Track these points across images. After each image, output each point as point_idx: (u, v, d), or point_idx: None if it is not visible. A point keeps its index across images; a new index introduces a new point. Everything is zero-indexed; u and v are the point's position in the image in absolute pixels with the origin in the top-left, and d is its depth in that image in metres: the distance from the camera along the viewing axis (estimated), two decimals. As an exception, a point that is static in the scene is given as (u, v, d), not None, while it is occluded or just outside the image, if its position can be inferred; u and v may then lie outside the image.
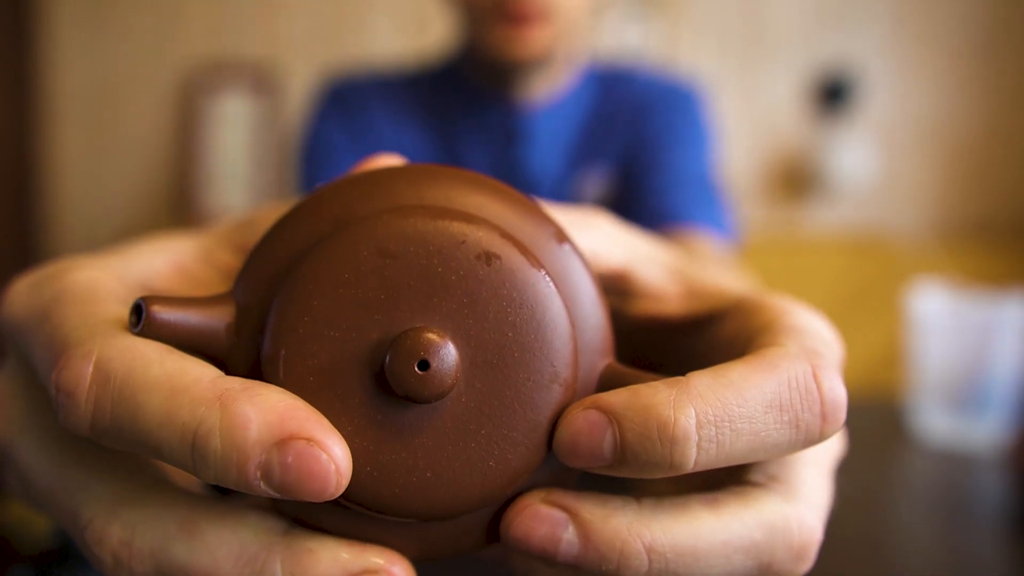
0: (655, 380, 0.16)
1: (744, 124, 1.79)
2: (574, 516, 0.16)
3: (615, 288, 0.22)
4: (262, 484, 0.14)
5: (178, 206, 1.79)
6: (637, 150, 0.74)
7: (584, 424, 0.15)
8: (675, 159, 0.73)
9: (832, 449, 0.19)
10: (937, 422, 0.70)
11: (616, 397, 0.15)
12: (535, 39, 0.64)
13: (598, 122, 0.76)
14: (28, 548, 0.44)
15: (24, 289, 0.18)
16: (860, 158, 1.74)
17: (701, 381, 0.15)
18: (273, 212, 0.21)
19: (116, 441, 0.15)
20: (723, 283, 0.22)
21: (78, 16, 1.80)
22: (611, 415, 0.15)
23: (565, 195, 0.74)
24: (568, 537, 0.16)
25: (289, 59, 1.80)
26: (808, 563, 0.17)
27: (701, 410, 0.15)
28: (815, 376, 0.16)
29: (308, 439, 0.14)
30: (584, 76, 0.77)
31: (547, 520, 0.16)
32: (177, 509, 0.16)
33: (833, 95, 1.76)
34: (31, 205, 1.79)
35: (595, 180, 0.74)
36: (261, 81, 1.78)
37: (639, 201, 0.71)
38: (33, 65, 1.79)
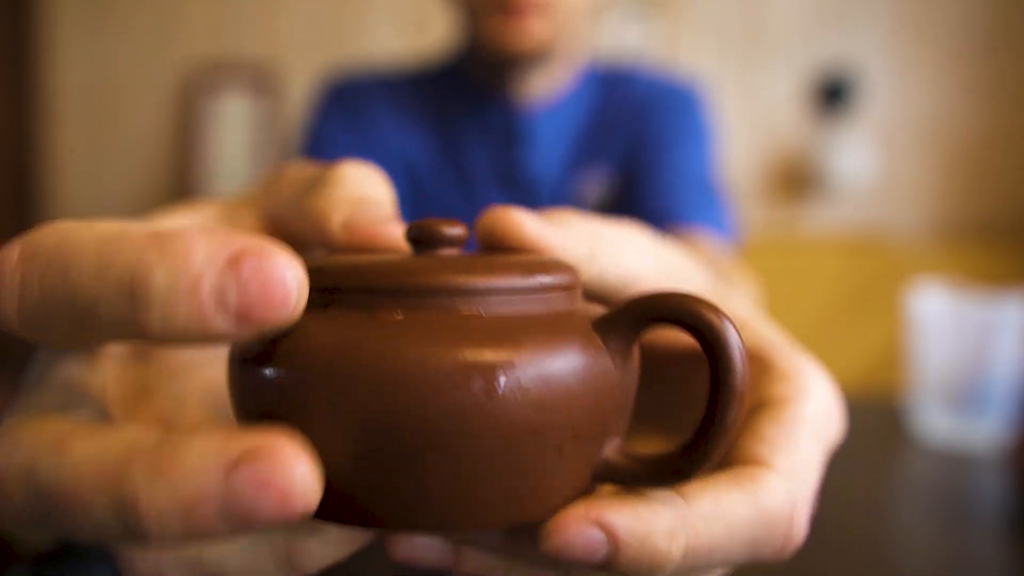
0: (650, 490, 0.17)
1: (744, 124, 1.79)
2: (610, 535, 0.16)
3: None
4: (218, 316, 0.13)
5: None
6: (638, 150, 0.74)
7: (581, 540, 0.16)
8: (676, 159, 0.73)
9: (832, 433, 0.20)
10: (937, 422, 0.70)
11: (621, 518, 0.16)
12: (533, 30, 0.64)
13: (599, 122, 0.76)
14: (27, 549, 0.44)
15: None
16: (860, 158, 1.74)
17: (701, 513, 0.16)
18: (292, 171, 0.21)
19: (45, 318, 0.14)
20: (749, 325, 0.22)
21: (78, 16, 1.80)
22: (612, 537, 0.16)
23: (565, 196, 0.74)
24: (604, 552, 0.16)
25: (289, 59, 1.80)
26: (789, 553, 0.18)
27: (692, 546, 0.16)
28: (791, 522, 0.17)
29: (259, 255, 0.13)
30: (585, 76, 0.77)
31: (585, 539, 0.16)
32: (57, 428, 0.14)
33: (833, 95, 1.76)
34: (31, 205, 1.79)
35: (596, 180, 0.74)
36: (261, 81, 1.78)
37: (640, 201, 0.71)
38: (33, 65, 1.79)
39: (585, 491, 0.17)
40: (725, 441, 0.15)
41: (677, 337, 0.22)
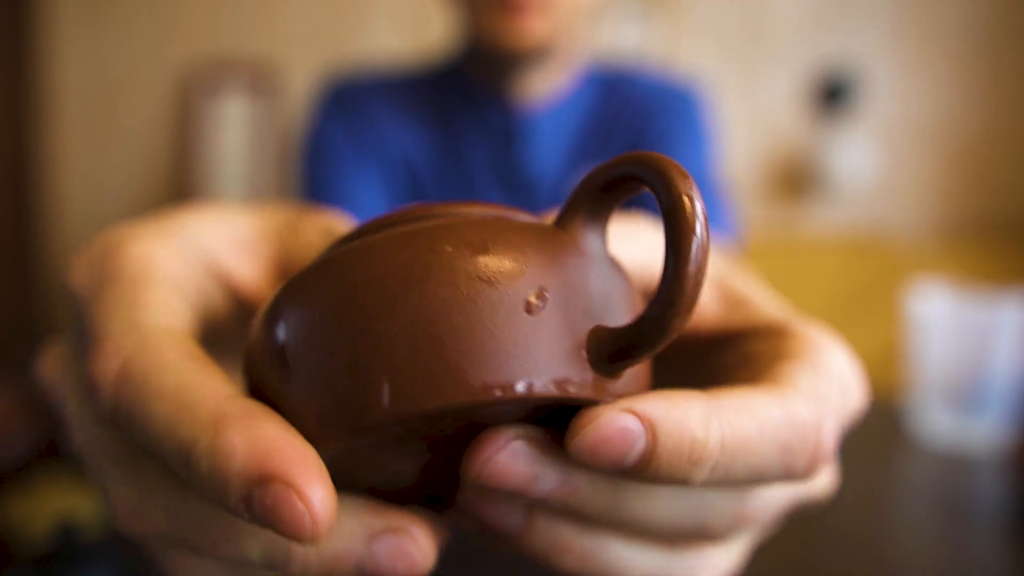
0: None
1: (744, 124, 1.79)
2: (646, 422, 0.15)
3: None
4: (246, 515, 0.14)
5: (177, 205, 1.79)
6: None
7: (615, 431, 0.15)
8: (677, 160, 0.73)
9: (853, 401, 0.19)
10: (937, 422, 0.70)
11: (654, 406, 0.15)
12: (533, 28, 0.64)
13: (599, 123, 0.76)
14: (28, 548, 0.44)
15: (83, 263, 0.18)
16: (860, 158, 1.74)
17: (731, 405, 0.15)
18: (313, 224, 0.21)
19: (132, 435, 0.15)
20: (763, 301, 0.22)
21: (78, 15, 1.80)
22: (648, 425, 0.15)
23: (565, 196, 0.74)
24: (642, 445, 0.15)
25: (289, 59, 1.80)
26: (818, 471, 0.17)
27: (727, 438, 0.15)
28: (820, 428, 0.16)
29: (287, 483, 0.13)
30: (585, 77, 0.77)
31: (620, 429, 0.15)
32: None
33: (833, 95, 1.76)
34: (31, 204, 1.79)
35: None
36: (260, 81, 1.78)
37: (640, 202, 0.71)
38: (33, 64, 1.79)
39: (581, 367, 0.15)
40: (684, 302, 0.14)
41: (697, 323, 0.22)
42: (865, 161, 1.74)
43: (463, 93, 0.75)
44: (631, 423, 0.15)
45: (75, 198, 1.84)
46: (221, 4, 1.80)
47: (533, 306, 0.15)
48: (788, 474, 0.16)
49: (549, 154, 0.74)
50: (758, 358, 0.19)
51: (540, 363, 0.14)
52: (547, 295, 0.15)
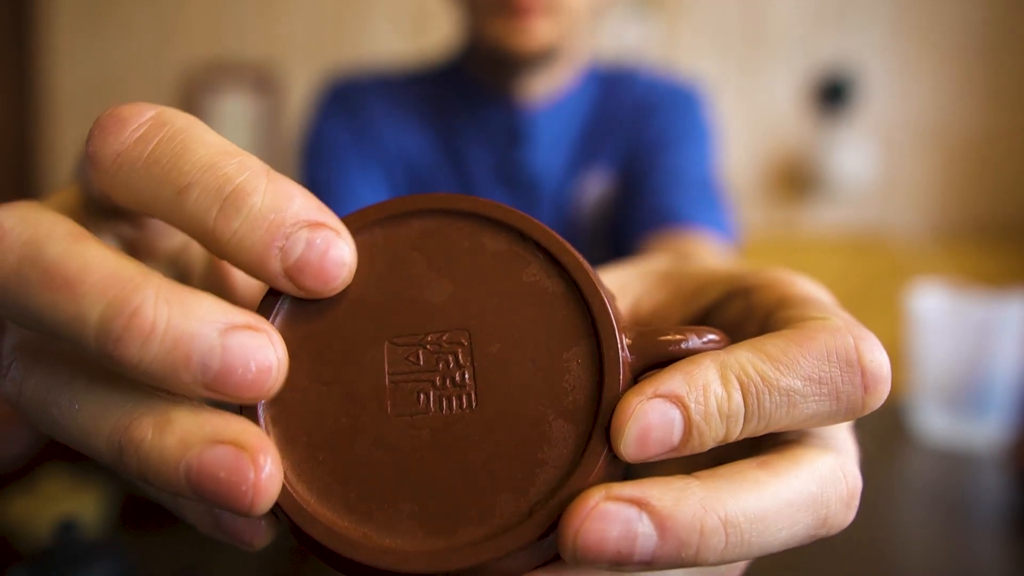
0: (678, 337, 0.16)
1: (744, 124, 1.79)
2: (646, 506, 0.14)
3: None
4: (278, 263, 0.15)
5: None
6: (638, 151, 0.74)
7: (655, 415, 0.15)
8: (676, 160, 0.73)
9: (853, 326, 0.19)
10: (937, 422, 0.70)
11: (672, 380, 0.15)
12: (538, 31, 0.64)
13: (599, 123, 0.76)
14: (28, 548, 0.44)
15: None
16: (860, 158, 1.74)
17: (741, 353, 0.16)
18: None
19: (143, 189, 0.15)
20: (712, 265, 0.22)
21: (79, 16, 1.80)
22: (675, 400, 0.15)
23: (566, 196, 0.74)
24: (644, 531, 0.14)
25: (289, 59, 1.80)
26: (855, 510, 0.17)
27: (744, 381, 0.15)
28: (857, 348, 0.16)
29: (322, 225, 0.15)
30: (586, 77, 0.77)
31: (618, 519, 0.14)
32: (76, 226, 0.15)
33: (833, 95, 1.76)
34: (31, 205, 1.79)
35: (596, 181, 0.74)
36: (261, 81, 1.78)
37: (640, 202, 0.71)
38: (34, 65, 1.79)
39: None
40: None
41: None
42: (864, 161, 1.74)
43: (464, 93, 0.75)
44: (664, 408, 0.15)
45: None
46: (222, 5, 1.80)
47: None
48: (831, 403, 0.16)
49: (550, 154, 0.74)
50: (741, 322, 0.20)
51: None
52: None
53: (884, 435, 0.70)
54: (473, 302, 0.16)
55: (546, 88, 0.73)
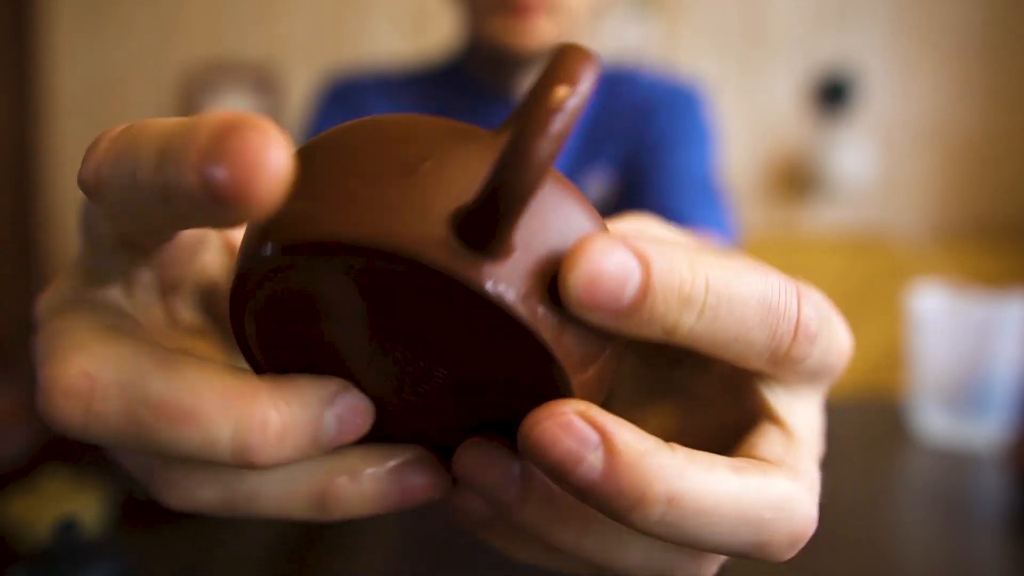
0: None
1: (744, 124, 1.79)
2: (607, 441, 0.14)
3: None
4: (200, 180, 0.11)
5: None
6: (639, 151, 0.74)
7: (613, 265, 0.14)
8: (677, 161, 0.73)
9: (819, 445, 0.19)
10: (937, 422, 0.70)
11: (643, 240, 0.14)
12: (538, 30, 0.64)
13: (600, 123, 0.76)
14: (28, 548, 0.44)
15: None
16: (860, 158, 1.74)
17: (709, 257, 0.15)
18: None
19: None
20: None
21: (79, 16, 1.80)
22: (642, 258, 0.14)
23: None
24: (591, 461, 0.14)
25: (289, 59, 1.80)
26: (796, 550, 0.16)
27: (712, 277, 0.15)
28: (798, 296, 0.16)
29: (251, 131, 0.11)
30: (585, 76, 0.77)
31: (576, 434, 0.14)
32: (151, 349, 0.15)
33: (833, 95, 1.76)
34: (32, 205, 1.79)
35: (597, 181, 0.74)
36: (261, 81, 1.78)
37: (640, 202, 0.71)
38: (34, 65, 1.79)
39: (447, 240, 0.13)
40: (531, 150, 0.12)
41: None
42: (865, 161, 1.74)
43: (464, 92, 0.75)
44: (624, 258, 0.14)
45: (76, 200, 1.84)
46: (222, 5, 1.80)
47: (415, 170, 0.14)
48: (772, 341, 0.16)
49: (550, 154, 0.74)
50: None
51: (411, 225, 0.13)
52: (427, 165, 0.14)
53: (884, 435, 0.70)
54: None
55: (546, 88, 0.73)
